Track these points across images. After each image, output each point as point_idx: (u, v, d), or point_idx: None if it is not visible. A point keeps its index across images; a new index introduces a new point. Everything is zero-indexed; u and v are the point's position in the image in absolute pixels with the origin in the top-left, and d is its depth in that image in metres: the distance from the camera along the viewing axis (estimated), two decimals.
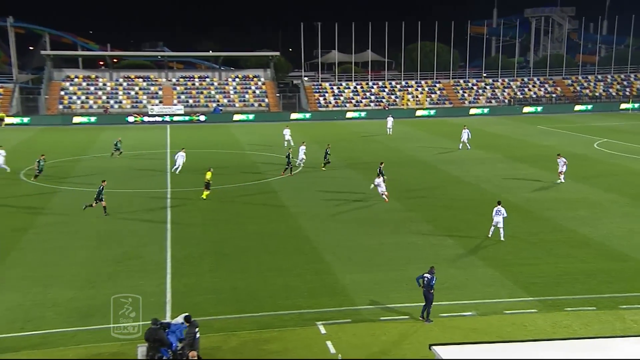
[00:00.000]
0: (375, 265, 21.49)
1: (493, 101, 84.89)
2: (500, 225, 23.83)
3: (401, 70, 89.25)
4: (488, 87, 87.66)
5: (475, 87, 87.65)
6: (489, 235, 24.12)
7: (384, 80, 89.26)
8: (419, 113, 77.95)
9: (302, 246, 23.76)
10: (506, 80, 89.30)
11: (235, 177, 37.16)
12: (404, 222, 27.03)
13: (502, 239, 23.79)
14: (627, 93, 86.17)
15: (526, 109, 79.82)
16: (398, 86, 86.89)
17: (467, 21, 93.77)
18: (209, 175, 31.58)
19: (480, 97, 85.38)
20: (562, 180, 34.67)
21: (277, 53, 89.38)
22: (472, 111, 79.28)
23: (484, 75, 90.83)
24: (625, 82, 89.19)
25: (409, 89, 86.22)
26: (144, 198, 32.17)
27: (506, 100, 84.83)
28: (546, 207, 29.13)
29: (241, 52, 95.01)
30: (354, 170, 39.70)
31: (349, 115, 76.89)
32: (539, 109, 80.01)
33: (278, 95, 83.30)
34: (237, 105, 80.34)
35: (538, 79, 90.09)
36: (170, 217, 28.20)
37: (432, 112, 78.86)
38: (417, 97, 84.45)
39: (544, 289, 19.17)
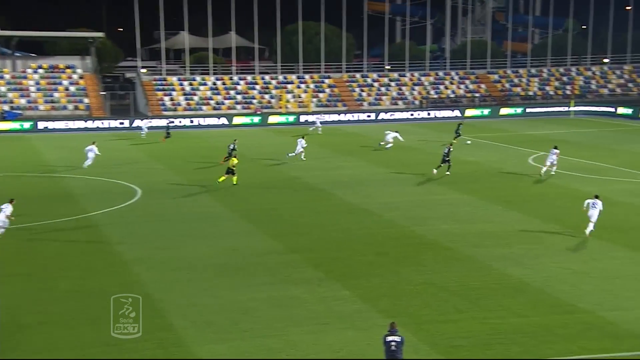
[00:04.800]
0: (244, 331, 21.32)
1: (400, 102, 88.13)
2: (594, 220, 30.26)
3: (277, 60, 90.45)
4: (393, 83, 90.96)
5: (376, 84, 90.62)
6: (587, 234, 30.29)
7: (254, 73, 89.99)
8: (302, 118, 79.19)
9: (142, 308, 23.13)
10: (416, 75, 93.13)
11: (42, 211, 35.84)
12: (284, 268, 27.10)
13: (587, 234, 30.37)
14: (568, 92, 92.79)
15: (469, 112, 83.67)
16: (274, 82, 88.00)
17: None
18: (234, 161, 41.83)
19: (384, 97, 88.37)
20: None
21: (101, 34, 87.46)
22: (382, 115, 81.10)
23: (387, 67, 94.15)
24: (565, 78, 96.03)
25: (289, 86, 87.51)
26: None
27: (416, 101, 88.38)
28: (471, 243, 30.37)
29: (47, 32, 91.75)
30: (208, 195, 39.59)
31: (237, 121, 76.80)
32: (486, 111, 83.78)
33: (103, 93, 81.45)
34: (41, 107, 77.61)
35: (457, 74, 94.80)
36: None
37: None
38: (299, 96, 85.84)
39: (471, 353, 19.83)
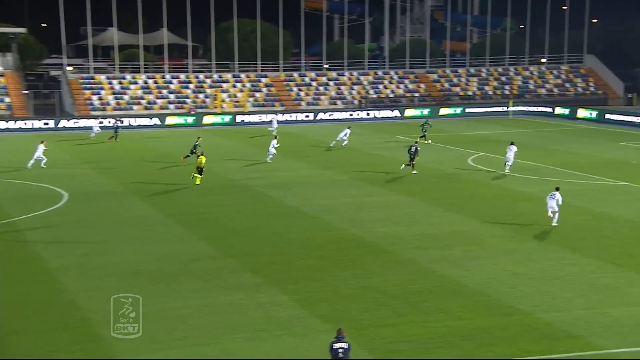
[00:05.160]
0: (178, 340, 21.17)
1: (339, 102, 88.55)
2: (556, 210, 32.65)
3: (211, 58, 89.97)
4: (332, 82, 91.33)
5: (314, 83, 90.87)
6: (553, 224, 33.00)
7: (188, 72, 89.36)
8: (238, 119, 78.86)
9: (68, 318, 22.79)
10: (355, 74, 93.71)
11: None
12: (219, 274, 26.99)
13: (554, 223, 33.00)
14: (507, 92, 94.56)
15: (409, 112, 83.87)
16: (208, 81, 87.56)
17: None
18: (202, 159, 42.23)
19: (322, 97, 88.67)
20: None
21: (24, 30, 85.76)
22: (321, 115, 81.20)
23: (326, 66, 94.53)
24: (503, 78, 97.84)
25: (224, 86, 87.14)
26: None
27: (355, 101, 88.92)
28: (410, 246, 30.71)
29: None
30: (139, 199, 39.32)
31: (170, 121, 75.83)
32: (425, 111, 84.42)
33: (26, 92, 79.82)
34: None
35: (396, 73, 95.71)
36: None
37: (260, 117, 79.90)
38: (235, 96, 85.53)
39: (411, 357, 20.04)
